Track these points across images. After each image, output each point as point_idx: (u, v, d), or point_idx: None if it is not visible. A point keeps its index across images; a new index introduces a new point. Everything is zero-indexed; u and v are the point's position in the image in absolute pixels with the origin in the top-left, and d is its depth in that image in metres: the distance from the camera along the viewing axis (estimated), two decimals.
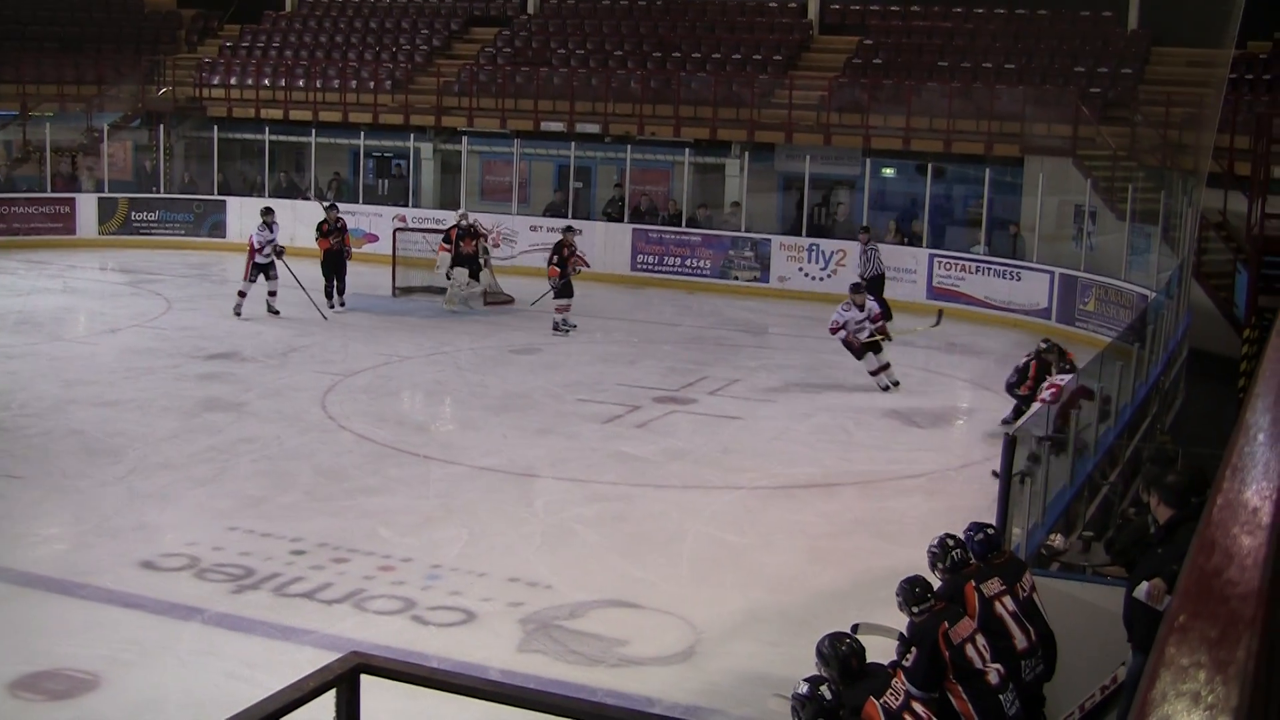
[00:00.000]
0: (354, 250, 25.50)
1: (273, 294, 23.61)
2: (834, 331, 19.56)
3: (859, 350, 19.50)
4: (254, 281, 23.56)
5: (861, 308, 19.41)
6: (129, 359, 20.74)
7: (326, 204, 25.65)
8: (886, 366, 19.49)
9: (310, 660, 9.55)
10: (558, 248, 23.87)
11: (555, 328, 23.22)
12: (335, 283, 24.34)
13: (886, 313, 23.14)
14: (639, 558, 12.76)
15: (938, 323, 19.41)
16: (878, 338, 19.43)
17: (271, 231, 23.80)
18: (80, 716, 9.61)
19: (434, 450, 16.23)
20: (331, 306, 24.09)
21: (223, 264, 30.16)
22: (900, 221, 28.47)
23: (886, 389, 19.34)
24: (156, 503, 14.13)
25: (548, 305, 23.87)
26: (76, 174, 34.13)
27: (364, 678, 4.38)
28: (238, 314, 23.47)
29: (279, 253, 23.57)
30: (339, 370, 20.08)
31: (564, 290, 23.39)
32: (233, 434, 16.73)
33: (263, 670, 9.97)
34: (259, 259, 23.49)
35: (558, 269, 23.51)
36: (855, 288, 20.09)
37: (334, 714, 4.30)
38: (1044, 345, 17.10)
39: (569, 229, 24.74)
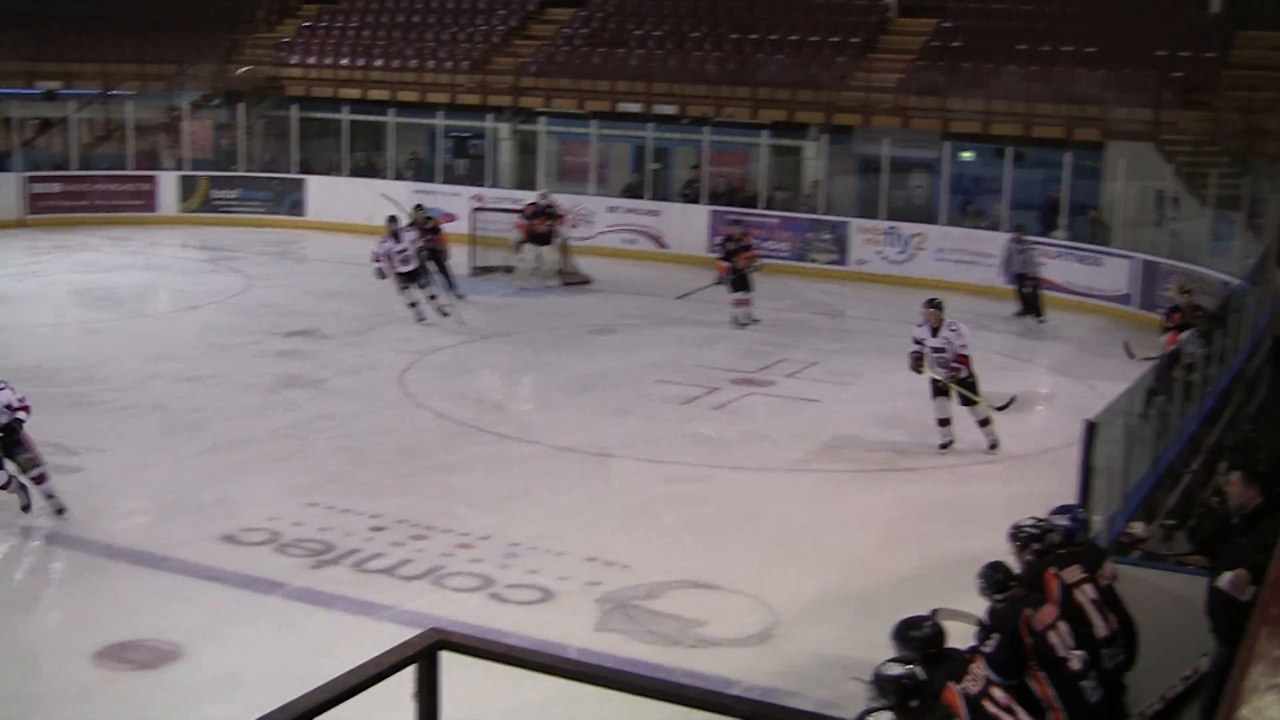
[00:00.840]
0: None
1: (433, 297, 22.37)
2: (914, 342, 16.00)
3: (935, 388, 15.84)
4: (408, 288, 22.06)
5: (935, 330, 15.79)
6: (209, 335, 20.96)
7: (415, 206, 24.60)
8: (947, 422, 15.80)
9: (389, 635, 9.57)
10: (723, 242, 23.33)
11: (736, 322, 22.48)
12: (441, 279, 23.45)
13: (1038, 309, 22.89)
14: (716, 539, 12.78)
15: (1005, 406, 16.91)
16: (948, 383, 15.66)
17: (398, 241, 22.01)
18: (162, 686, 9.76)
19: (512, 429, 16.30)
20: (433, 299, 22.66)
21: (302, 242, 30.41)
22: (980, 206, 28.33)
23: (944, 446, 15.82)
24: (237, 478, 14.32)
25: (710, 298, 23.16)
26: (157, 152, 34.42)
27: (443, 654, 4.42)
28: (422, 320, 21.93)
29: (419, 254, 22.27)
30: (417, 349, 20.18)
31: (739, 284, 22.61)
32: (312, 410, 16.89)
33: (342, 644, 10.04)
34: (399, 268, 21.94)
35: (725, 264, 22.76)
36: (929, 302, 16.17)
37: (413, 689, 4.34)
38: (1181, 290, 16.95)
39: (736, 223, 24.59)
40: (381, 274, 21.95)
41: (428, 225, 23.61)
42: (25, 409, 12.82)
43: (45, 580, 12.30)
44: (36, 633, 11.01)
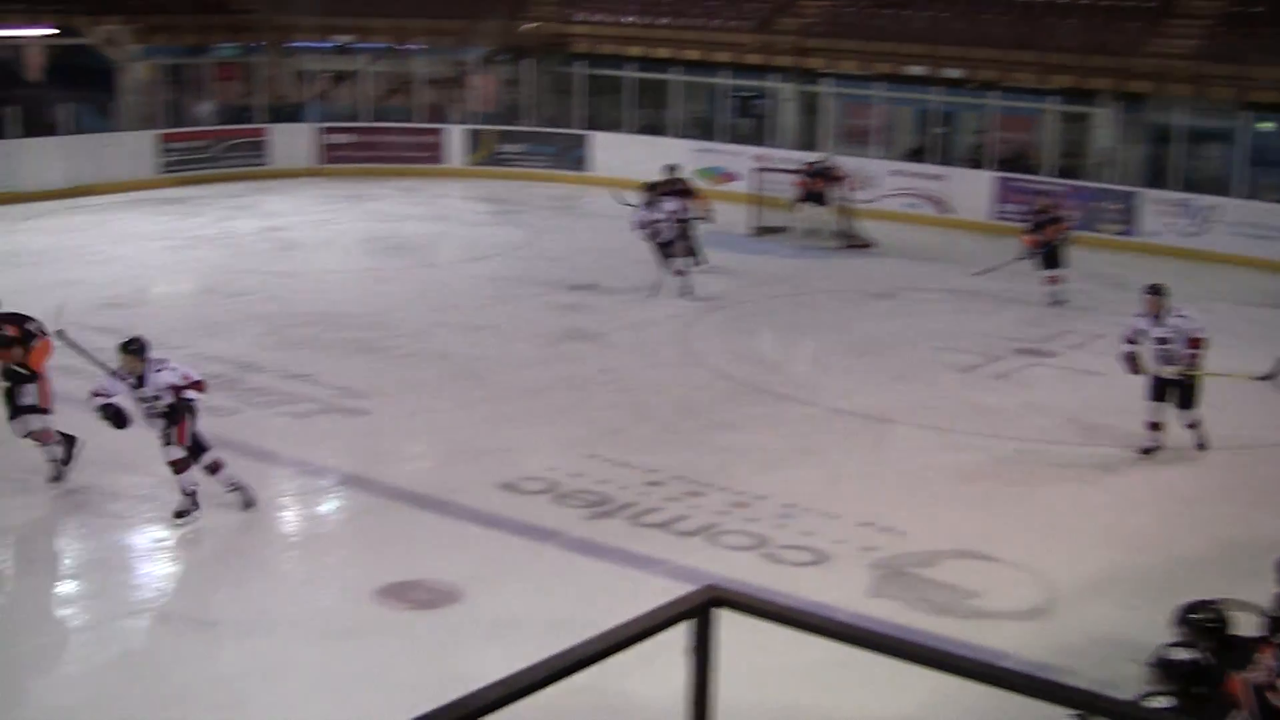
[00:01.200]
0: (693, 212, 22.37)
1: (680, 272, 20.87)
2: (1125, 341, 14.25)
3: (1155, 388, 14.13)
4: (669, 257, 20.96)
5: (1157, 315, 14.05)
6: (493, 286, 21.37)
7: (668, 167, 23.49)
8: (1159, 427, 14.17)
9: (662, 589, 9.67)
10: (1032, 214, 21.97)
11: (1051, 300, 21.08)
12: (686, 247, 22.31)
13: None
14: (994, 510, 12.62)
15: (1271, 376, 15.26)
16: (1185, 373, 13.96)
17: (652, 210, 21.05)
18: (439, 627, 10.03)
19: (790, 390, 16.28)
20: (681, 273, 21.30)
21: (585, 197, 30.72)
22: None
23: (1149, 451, 14.18)
24: (518, 427, 14.61)
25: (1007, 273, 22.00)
26: (445, 106, 35.16)
27: (719, 611, 4.42)
28: (686, 294, 20.64)
29: (676, 223, 21.06)
30: (698, 306, 20.27)
31: (1049, 260, 21.28)
32: (593, 364, 17.15)
33: (615, 596, 10.20)
34: (655, 238, 20.97)
35: (1033, 237, 21.35)
36: (1150, 288, 14.31)
37: (687, 644, 4.35)
38: None
39: (1042, 194, 23.79)
40: (654, 234, 21.21)
41: (682, 190, 22.50)
42: (195, 385, 11.84)
43: (332, 518, 12.73)
44: (321, 568, 11.41)
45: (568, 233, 26.50)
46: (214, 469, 12.06)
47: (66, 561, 11.16)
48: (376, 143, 33.81)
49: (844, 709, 8.75)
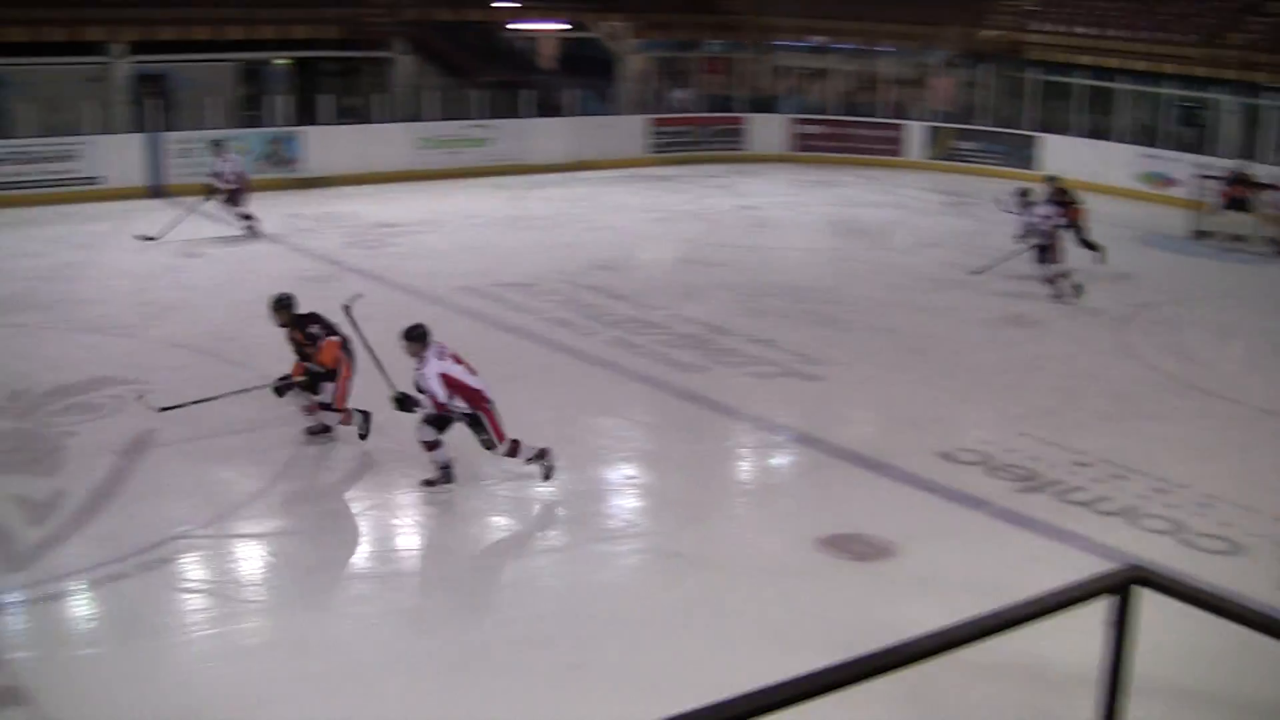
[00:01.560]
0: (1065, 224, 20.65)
1: (1065, 275, 19.53)
2: None
3: None
4: (1043, 262, 19.61)
5: None
6: (943, 271, 21.16)
7: (1048, 177, 22.38)
8: None
9: (1081, 563, 9.54)
10: None
11: None
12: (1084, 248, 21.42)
13: None
14: None
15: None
16: None
17: (1026, 213, 20.02)
18: (871, 578, 10.06)
19: (1219, 388, 15.47)
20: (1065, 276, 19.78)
21: (1031, 195, 30.06)
22: None
23: None
24: (957, 402, 14.51)
25: None
26: (906, 104, 35.06)
27: (1139, 589, 4.32)
28: (1058, 298, 19.31)
29: (1053, 229, 19.66)
30: (1135, 301, 19.59)
31: None
32: (1032, 349, 16.83)
33: (1035, 565, 10.04)
34: (1032, 241, 19.76)
35: None
36: None
37: (1106, 617, 4.29)
38: None
39: None
40: (1025, 237, 20.00)
41: (1062, 199, 21.06)
42: (469, 393, 11.13)
43: (783, 471, 12.95)
44: (771, 515, 11.55)
45: (1014, 226, 25.91)
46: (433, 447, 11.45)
47: (550, 490, 11.64)
48: (843, 134, 34.15)
49: (1244, 695, 8.38)
